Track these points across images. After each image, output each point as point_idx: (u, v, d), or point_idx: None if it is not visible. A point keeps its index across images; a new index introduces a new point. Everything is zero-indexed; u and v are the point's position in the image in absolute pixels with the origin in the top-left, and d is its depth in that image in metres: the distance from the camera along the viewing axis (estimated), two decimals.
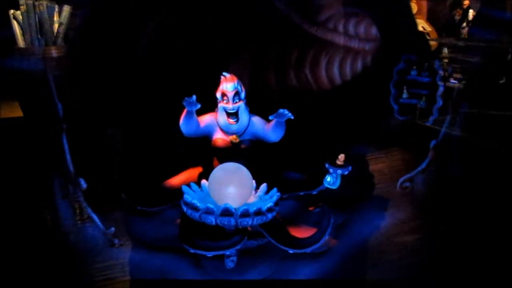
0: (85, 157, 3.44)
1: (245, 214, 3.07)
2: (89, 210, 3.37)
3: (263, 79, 4.57)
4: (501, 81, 4.47)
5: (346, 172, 3.37)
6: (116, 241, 3.32)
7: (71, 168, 3.39)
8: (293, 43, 4.53)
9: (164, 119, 3.70)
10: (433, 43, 5.90)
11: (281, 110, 3.36)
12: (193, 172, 3.75)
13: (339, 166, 3.39)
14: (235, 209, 3.06)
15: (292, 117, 3.33)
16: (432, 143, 3.84)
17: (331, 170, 3.40)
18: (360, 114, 4.22)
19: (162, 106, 3.75)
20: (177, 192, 3.56)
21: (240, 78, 3.58)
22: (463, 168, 3.91)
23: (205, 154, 3.67)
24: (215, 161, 3.57)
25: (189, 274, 3.12)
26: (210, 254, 3.17)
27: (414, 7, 7.60)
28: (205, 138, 3.62)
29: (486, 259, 3.28)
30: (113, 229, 3.30)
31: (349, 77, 4.49)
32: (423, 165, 3.84)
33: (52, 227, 3.46)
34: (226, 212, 3.06)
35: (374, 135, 4.24)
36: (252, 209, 3.09)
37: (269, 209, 3.15)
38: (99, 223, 3.34)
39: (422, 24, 7.78)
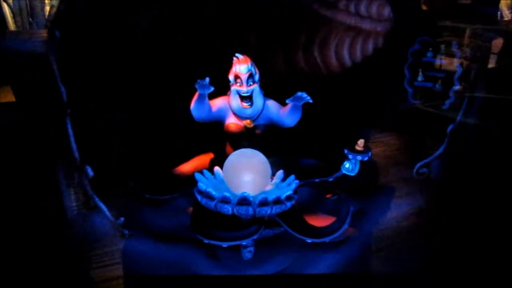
0: (91, 143, 3.25)
1: (264, 203, 2.92)
2: (96, 199, 3.18)
3: (271, 61, 4.42)
4: None
5: (366, 158, 3.24)
6: (126, 231, 3.15)
7: (76, 155, 3.20)
8: (303, 24, 4.37)
9: (173, 103, 3.53)
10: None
11: (299, 93, 3.20)
12: (204, 159, 3.59)
13: (359, 152, 3.25)
14: (252, 197, 2.93)
15: (311, 101, 3.18)
16: (449, 127, 3.73)
17: (350, 156, 3.26)
18: (373, 98, 4.09)
19: (171, 89, 3.58)
20: (188, 179, 3.42)
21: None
22: (478, 153, 3.82)
23: (216, 139, 3.52)
24: (228, 147, 3.42)
25: (204, 266, 2.98)
26: (225, 244, 3.03)
27: None
28: (216, 123, 3.47)
29: (501, 246, 3.21)
30: (122, 219, 3.13)
31: (361, 59, 4.35)
32: (440, 150, 3.72)
33: (57, 216, 3.29)
34: (244, 201, 2.90)
35: (387, 119, 4.12)
36: (271, 198, 2.95)
37: (288, 197, 3.00)
38: (107, 212, 3.15)
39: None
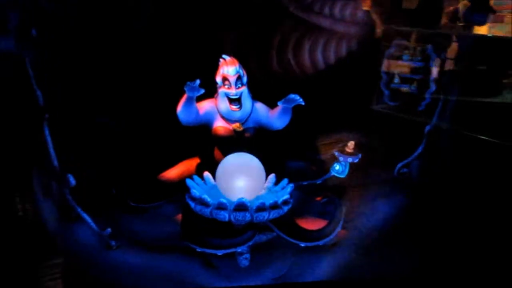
0: (71, 150, 3.04)
1: (261, 208, 2.85)
2: (79, 209, 2.99)
3: (246, 63, 4.35)
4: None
5: (357, 160, 3.26)
6: (113, 243, 2.97)
7: (55, 162, 2.99)
8: (278, 26, 4.34)
9: (157, 107, 3.38)
10: None
11: (291, 96, 3.15)
12: (190, 164, 3.46)
13: (349, 154, 3.26)
14: (250, 203, 2.85)
15: (303, 103, 3.15)
16: (427, 128, 3.83)
17: (341, 158, 3.26)
18: (349, 100, 4.14)
19: (156, 93, 3.42)
20: (174, 186, 3.31)
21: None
22: (453, 154, 3.94)
23: (202, 143, 3.40)
24: (217, 152, 3.32)
25: (201, 277, 2.86)
26: (221, 252, 2.94)
27: None
28: (202, 126, 3.35)
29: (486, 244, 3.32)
30: (109, 229, 2.95)
31: (334, 61, 4.38)
32: (419, 150, 3.82)
33: (34, 230, 3.04)
34: (241, 206, 2.82)
35: (364, 120, 4.16)
36: (268, 203, 2.89)
37: (285, 202, 2.95)
38: (92, 223, 2.97)
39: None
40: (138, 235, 3.07)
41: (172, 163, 3.44)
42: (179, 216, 3.20)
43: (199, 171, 3.25)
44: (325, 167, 3.48)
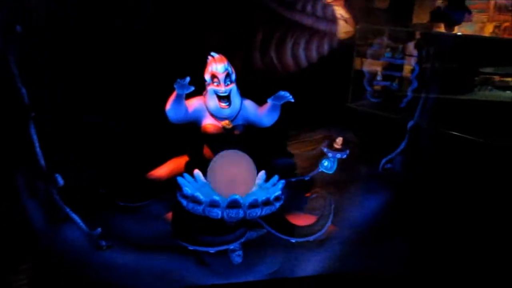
0: (58, 149, 2.98)
1: (254, 204, 2.86)
2: (67, 210, 2.93)
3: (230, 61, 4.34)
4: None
5: (345, 156, 3.31)
6: (103, 243, 2.92)
7: (42, 162, 2.92)
8: (260, 24, 4.35)
9: (145, 105, 3.34)
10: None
11: (281, 93, 3.16)
12: (178, 162, 3.43)
13: (337, 150, 3.31)
14: (242, 200, 2.85)
15: (293, 100, 3.17)
16: (409, 124, 3.91)
17: (330, 154, 3.30)
18: (332, 97, 4.18)
19: (142, 91, 3.37)
20: (163, 184, 3.28)
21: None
22: (432, 150, 4.03)
23: (190, 141, 3.38)
24: (206, 149, 3.31)
25: (194, 275, 2.84)
26: (213, 250, 2.94)
27: None
28: (189, 124, 3.33)
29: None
30: (99, 229, 2.90)
31: (317, 58, 4.42)
32: (402, 146, 3.89)
33: (20, 231, 2.95)
34: (234, 203, 2.82)
35: (347, 117, 4.22)
36: (261, 199, 2.90)
37: (277, 198, 2.97)
38: (81, 224, 2.91)
39: (339, 11, 8.01)
40: (129, 235, 3.04)
41: (160, 161, 3.41)
42: (169, 215, 3.19)
43: (188, 169, 3.22)
44: (312, 163, 3.52)
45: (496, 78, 6.10)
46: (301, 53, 4.46)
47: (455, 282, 2.96)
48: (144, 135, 3.41)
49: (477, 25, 7.62)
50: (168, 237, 3.00)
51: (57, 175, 2.89)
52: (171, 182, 3.16)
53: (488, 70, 6.28)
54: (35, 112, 2.87)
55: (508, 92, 5.95)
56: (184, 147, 3.44)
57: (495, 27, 9.11)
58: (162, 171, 3.38)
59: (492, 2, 8.79)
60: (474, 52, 5.29)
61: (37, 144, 2.90)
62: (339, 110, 4.14)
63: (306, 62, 4.36)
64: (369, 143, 4.01)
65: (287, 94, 3.15)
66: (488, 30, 8.49)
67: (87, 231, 2.92)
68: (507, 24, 9.92)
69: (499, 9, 9.33)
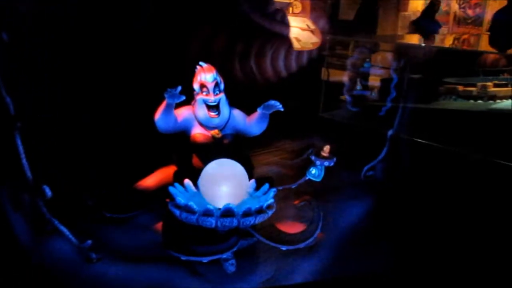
0: (45, 160, 2.91)
1: (248, 213, 2.87)
2: (56, 222, 2.85)
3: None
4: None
5: (332, 163, 3.36)
6: (94, 255, 2.86)
7: (29, 174, 2.83)
8: (241, 34, 4.38)
9: (132, 115, 3.30)
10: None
11: (271, 102, 3.19)
12: (166, 172, 3.39)
13: (325, 158, 3.36)
14: (236, 208, 2.86)
15: (282, 109, 3.21)
16: (389, 132, 4.02)
17: (317, 162, 3.34)
18: (313, 106, 4.27)
19: (129, 101, 3.34)
20: (151, 195, 3.25)
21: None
22: (408, 158, 4.16)
23: (179, 151, 3.36)
24: (195, 159, 3.29)
25: (188, 284, 2.82)
26: (206, 259, 2.93)
27: (299, 6, 7.97)
28: (178, 134, 3.32)
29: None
30: (89, 241, 2.83)
31: (297, 68, 4.50)
32: (383, 154, 4.00)
33: (6, 247, 2.85)
34: (228, 212, 2.82)
35: (326, 126, 4.30)
36: (254, 207, 2.91)
37: (269, 206, 2.99)
38: (70, 236, 2.84)
39: (306, 22, 8.19)
40: (118, 246, 2.99)
41: (148, 172, 3.37)
42: (159, 225, 3.15)
43: (177, 179, 3.20)
44: (299, 171, 3.56)
45: (460, 87, 6.37)
46: (280, 63, 4.53)
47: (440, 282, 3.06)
48: (131, 145, 3.38)
49: (438, 37, 7.94)
50: (159, 248, 2.97)
51: (45, 186, 2.82)
52: (160, 192, 3.16)
53: (453, 80, 6.54)
54: (21, 122, 2.80)
55: (471, 101, 6.22)
56: (172, 156, 3.41)
57: (455, 39, 9.52)
58: (149, 181, 3.34)
59: (452, 15, 9.19)
60: (440, 62, 5.50)
61: (23, 156, 2.82)
62: (319, 119, 4.21)
63: (285, 72, 4.43)
64: (352, 151, 4.10)
65: (277, 103, 3.19)
66: (448, 42, 8.85)
67: (77, 244, 2.85)
68: (465, 36, 10.36)
69: (458, 22, 9.75)
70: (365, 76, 4.30)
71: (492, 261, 3.19)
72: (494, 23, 6.88)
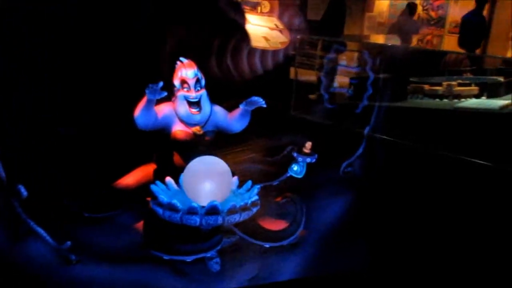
0: (18, 158, 2.77)
1: (233, 210, 2.83)
2: (32, 223, 2.72)
3: None
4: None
5: (314, 160, 3.36)
6: (73, 257, 2.75)
7: (2, 173, 2.69)
8: (217, 31, 4.33)
9: (109, 111, 3.20)
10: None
11: (254, 98, 3.17)
12: (146, 170, 3.31)
13: (307, 154, 3.35)
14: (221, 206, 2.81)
15: (265, 105, 3.18)
16: (366, 129, 4.06)
17: (299, 159, 3.33)
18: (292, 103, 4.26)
19: (106, 97, 3.23)
20: (131, 193, 3.16)
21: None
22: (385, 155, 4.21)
23: (159, 148, 3.28)
24: (176, 156, 3.22)
25: (172, 284, 2.75)
26: (190, 258, 2.87)
27: (267, 6, 8.01)
28: (157, 131, 3.24)
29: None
30: (69, 243, 2.72)
31: (274, 66, 4.48)
32: (360, 150, 4.04)
33: None
34: (213, 210, 2.76)
35: (307, 123, 4.31)
36: (239, 205, 2.87)
37: (254, 203, 2.96)
38: (47, 237, 2.72)
39: (274, 22, 8.24)
40: (99, 247, 2.88)
41: (127, 170, 3.27)
42: (140, 225, 3.07)
43: (157, 177, 3.13)
44: (279, 168, 3.55)
45: (426, 87, 6.54)
46: (257, 61, 4.51)
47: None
48: (110, 142, 3.27)
49: (403, 38, 8.12)
50: (136, 248, 2.90)
51: (20, 186, 2.69)
52: (140, 191, 3.08)
53: (419, 79, 6.71)
54: None
55: (437, 100, 6.40)
56: (152, 154, 3.33)
57: (418, 40, 9.77)
58: (129, 179, 3.25)
59: (416, 17, 9.43)
60: (407, 62, 5.62)
61: None
62: (292, 117, 4.22)
63: (254, 71, 4.40)
64: (330, 147, 4.11)
65: (260, 99, 3.16)
66: (413, 43, 9.07)
67: (55, 245, 2.73)
68: (429, 37, 10.66)
69: (421, 23, 10.01)
70: (342, 74, 4.34)
71: (465, 254, 3.28)
72: (463, 25, 7.16)
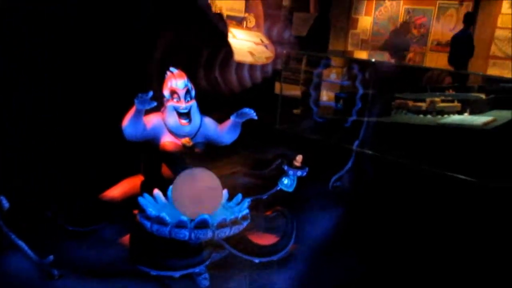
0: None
1: (223, 224, 2.76)
2: (13, 236, 2.60)
3: None
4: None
5: (305, 174, 3.31)
6: (56, 272, 2.63)
7: None
8: (205, 44, 4.29)
9: (95, 121, 3.11)
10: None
11: (245, 110, 3.12)
12: (133, 182, 3.21)
13: (298, 168, 3.30)
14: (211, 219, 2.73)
15: (256, 117, 3.13)
16: (355, 143, 4.05)
17: (290, 172, 3.28)
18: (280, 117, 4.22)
19: (93, 106, 3.14)
20: (116, 206, 3.06)
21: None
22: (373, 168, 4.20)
23: (146, 160, 3.19)
24: (164, 168, 3.14)
25: None
26: (178, 274, 2.77)
27: (252, 21, 8.06)
28: (144, 142, 3.16)
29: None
30: (51, 257, 2.60)
31: (260, 79, 4.46)
32: (349, 165, 4.01)
33: None
34: (203, 223, 2.69)
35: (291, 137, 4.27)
36: (229, 218, 2.80)
37: (244, 217, 2.90)
38: (29, 251, 2.60)
39: (260, 37, 8.30)
40: (83, 261, 2.78)
41: (113, 181, 3.18)
42: (126, 238, 2.97)
43: (144, 190, 3.04)
44: (270, 182, 3.49)
45: (410, 102, 6.59)
46: (245, 73, 4.48)
47: None
48: (96, 153, 3.18)
49: (385, 56, 8.21)
50: (127, 263, 2.78)
51: (1, 197, 2.57)
52: (126, 204, 2.99)
53: (403, 95, 6.75)
54: None
55: (421, 115, 6.45)
56: (139, 166, 3.24)
57: (400, 57, 9.89)
58: (115, 192, 3.15)
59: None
60: (391, 78, 5.66)
61: None
62: (276, 131, 4.18)
63: (252, 83, 4.38)
64: (319, 162, 4.08)
65: (251, 111, 3.11)
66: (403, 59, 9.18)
67: (37, 260, 2.61)
68: (411, 55, 10.81)
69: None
70: (331, 88, 4.33)
71: (450, 264, 3.29)
72: (453, 44, 7.30)
